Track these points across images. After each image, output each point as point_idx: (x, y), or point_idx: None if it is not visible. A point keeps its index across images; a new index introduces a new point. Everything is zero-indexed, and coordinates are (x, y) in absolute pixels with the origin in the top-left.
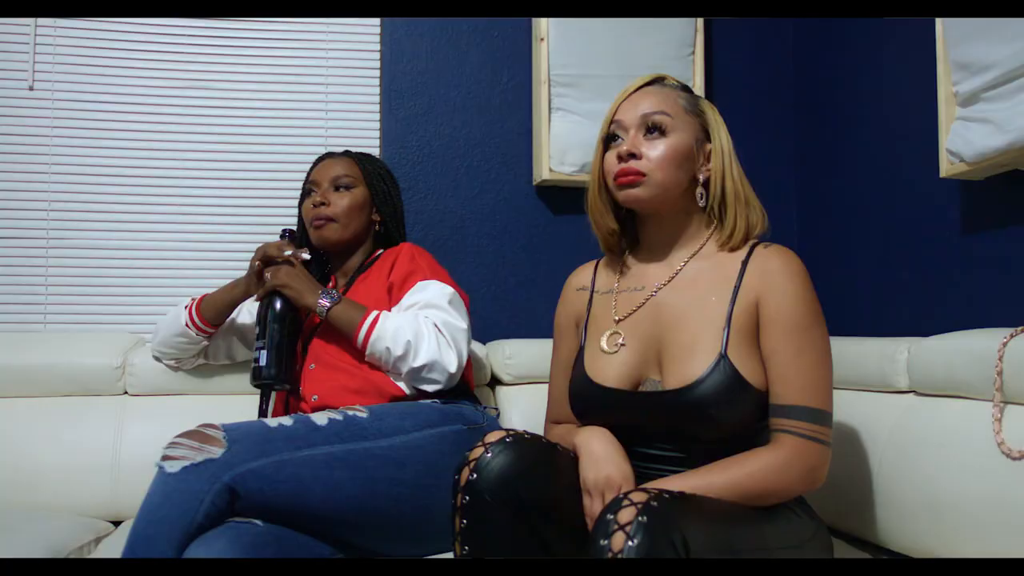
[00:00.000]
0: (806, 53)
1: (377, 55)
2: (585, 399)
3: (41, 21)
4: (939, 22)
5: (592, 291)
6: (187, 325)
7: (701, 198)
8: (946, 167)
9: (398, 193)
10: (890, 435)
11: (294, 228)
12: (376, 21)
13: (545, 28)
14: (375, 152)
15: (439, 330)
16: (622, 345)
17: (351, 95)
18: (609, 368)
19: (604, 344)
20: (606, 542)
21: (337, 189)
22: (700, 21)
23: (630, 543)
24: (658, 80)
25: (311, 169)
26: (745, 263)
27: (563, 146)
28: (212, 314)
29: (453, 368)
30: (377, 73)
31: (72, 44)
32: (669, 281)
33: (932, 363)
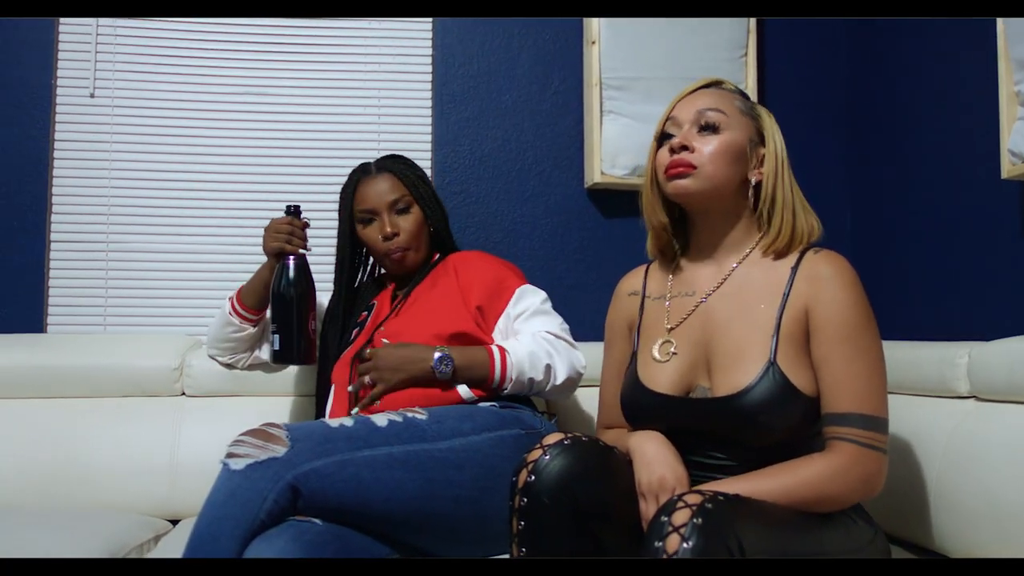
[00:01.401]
0: (860, 53)
1: (429, 59)
2: (637, 405)
3: (101, 31)
4: (1000, 21)
5: (644, 296)
6: (231, 314)
7: (751, 200)
8: (1008, 168)
9: (434, 190)
10: (949, 441)
11: (299, 204)
12: (428, 25)
13: (596, 31)
14: (427, 156)
15: (559, 338)
16: (674, 354)
17: (404, 99)
18: (661, 375)
19: (656, 353)
20: (660, 544)
21: (399, 213)
22: (752, 22)
23: (685, 545)
24: (716, 83)
25: (354, 192)
26: (795, 269)
27: (614, 149)
28: (252, 299)
29: (584, 363)
30: (429, 77)
31: (131, 52)
32: (718, 287)
33: (994, 367)
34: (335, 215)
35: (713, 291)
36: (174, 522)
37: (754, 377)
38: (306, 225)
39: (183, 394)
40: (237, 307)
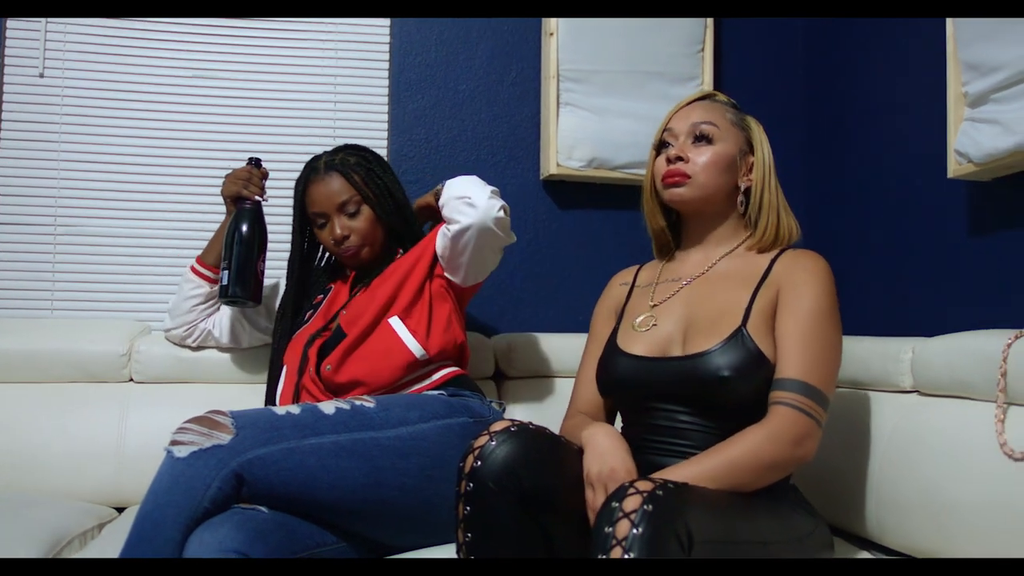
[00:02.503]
0: (815, 52)
1: (387, 47)
2: (612, 367)
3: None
4: (950, 22)
5: (632, 286)
6: (190, 271)
7: (741, 204)
8: (954, 168)
9: (387, 183)
10: (892, 434)
11: (260, 158)
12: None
13: (555, 23)
14: (383, 144)
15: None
16: (654, 326)
17: (360, 87)
18: (638, 341)
19: (637, 323)
20: (611, 529)
21: (349, 216)
22: (710, 19)
23: (634, 531)
24: (709, 96)
25: (304, 191)
26: (774, 260)
27: (571, 141)
28: (211, 256)
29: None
30: (386, 65)
31: (83, 32)
32: (703, 274)
33: (936, 363)
34: (290, 198)
35: (698, 276)
36: (120, 509)
37: (722, 340)
38: (265, 175)
39: (131, 380)
40: (196, 266)
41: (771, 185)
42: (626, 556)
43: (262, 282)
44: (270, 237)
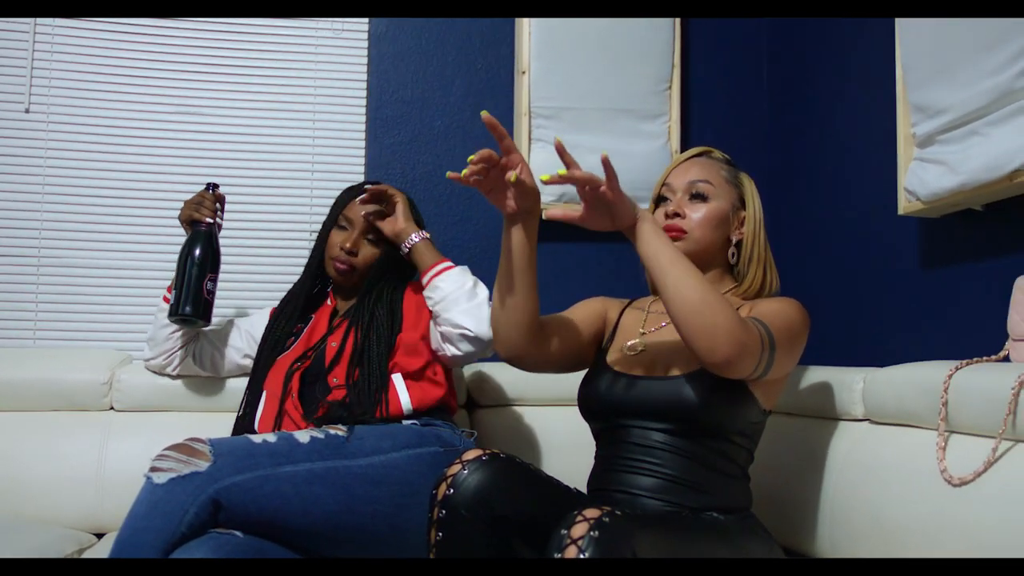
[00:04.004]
0: (778, 93)
1: (364, 84)
2: (594, 380)
3: (38, 47)
4: (899, 65)
5: (624, 310)
6: (166, 302)
7: (733, 256)
8: (904, 205)
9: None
10: (845, 460)
11: (217, 183)
12: (364, 52)
13: (527, 61)
14: (360, 178)
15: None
16: (642, 350)
17: (338, 123)
18: (624, 362)
19: (626, 347)
20: (559, 555)
21: (368, 242)
22: (677, 57)
23: (581, 556)
24: (705, 152)
25: (346, 202)
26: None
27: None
28: None
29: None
30: (364, 102)
31: (67, 69)
32: None
33: (884, 393)
34: (269, 230)
35: None
36: (100, 535)
37: (702, 366)
38: (219, 199)
39: (112, 408)
40: (168, 295)
41: (760, 239)
42: None
43: (212, 302)
44: (257, 271)
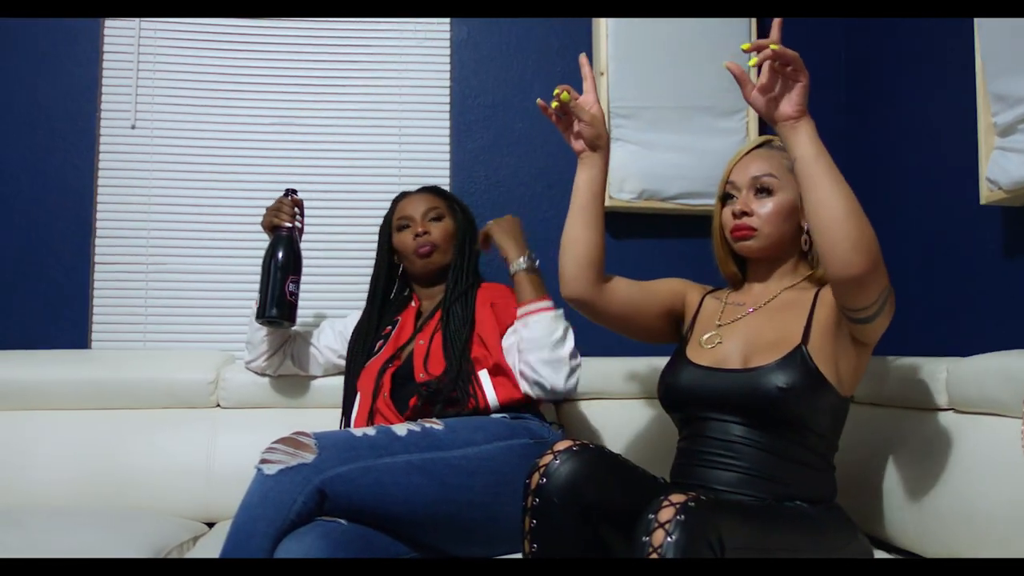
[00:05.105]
0: (854, 85)
1: (447, 90)
2: (675, 373)
3: (142, 67)
4: (979, 56)
5: (707, 293)
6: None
7: (805, 244)
8: (986, 195)
9: (470, 215)
10: (929, 450)
11: (295, 189)
12: (446, 57)
13: (604, 63)
14: (446, 183)
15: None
16: (719, 343)
17: (423, 128)
18: (703, 355)
19: (703, 340)
20: (647, 538)
21: (432, 220)
22: (753, 57)
23: (668, 539)
24: (766, 143)
25: (394, 209)
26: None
27: (622, 174)
28: None
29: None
30: (447, 108)
31: (170, 87)
32: (767, 303)
33: (968, 382)
34: (360, 235)
35: (762, 305)
36: (210, 524)
37: (781, 356)
38: (297, 203)
39: (218, 406)
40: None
41: None
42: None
43: (295, 304)
44: (348, 274)
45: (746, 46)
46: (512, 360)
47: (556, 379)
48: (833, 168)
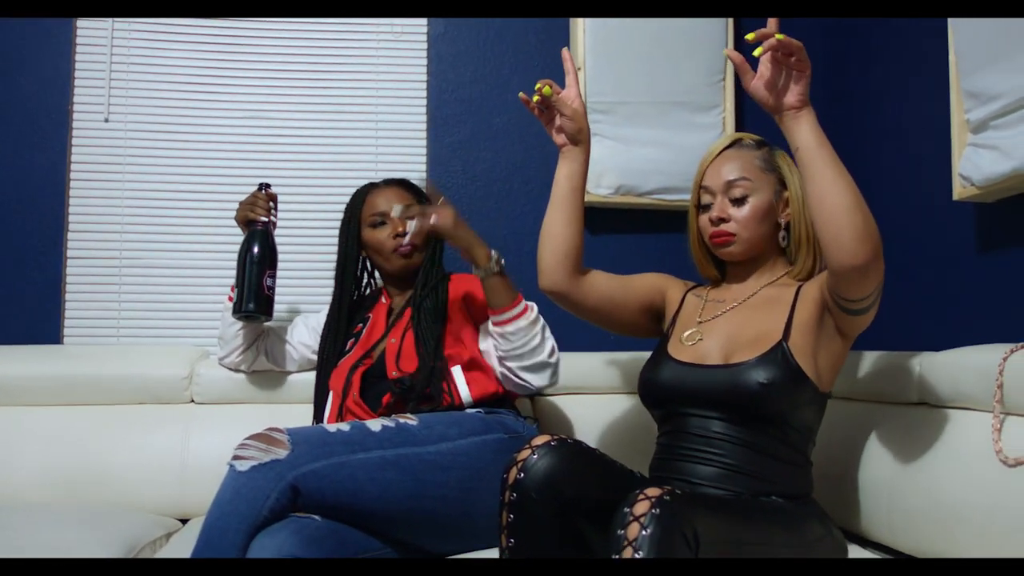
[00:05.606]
0: (832, 81)
1: (424, 84)
2: (656, 368)
3: (115, 60)
4: (952, 53)
5: (688, 290)
6: (228, 299)
7: (783, 240)
8: (959, 190)
9: None
10: (902, 444)
11: (269, 183)
12: (423, 51)
13: (582, 58)
14: (423, 176)
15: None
16: (700, 340)
17: (399, 123)
18: (684, 351)
19: (684, 337)
20: (622, 532)
21: (408, 219)
22: (730, 48)
23: (643, 532)
24: (735, 143)
25: (363, 202)
26: (805, 281)
27: (599, 170)
28: None
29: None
30: (424, 102)
31: (143, 80)
32: (747, 300)
33: (941, 377)
34: (336, 229)
35: (742, 302)
36: (184, 520)
37: (762, 352)
38: (271, 197)
39: (192, 401)
40: (231, 292)
41: (806, 217)
42: (636, 555)
43: (272, 297)
44: (323, 268)
45: (751, 36)
46: (492, 362)
47: (540, 380)
48: (835, 158)
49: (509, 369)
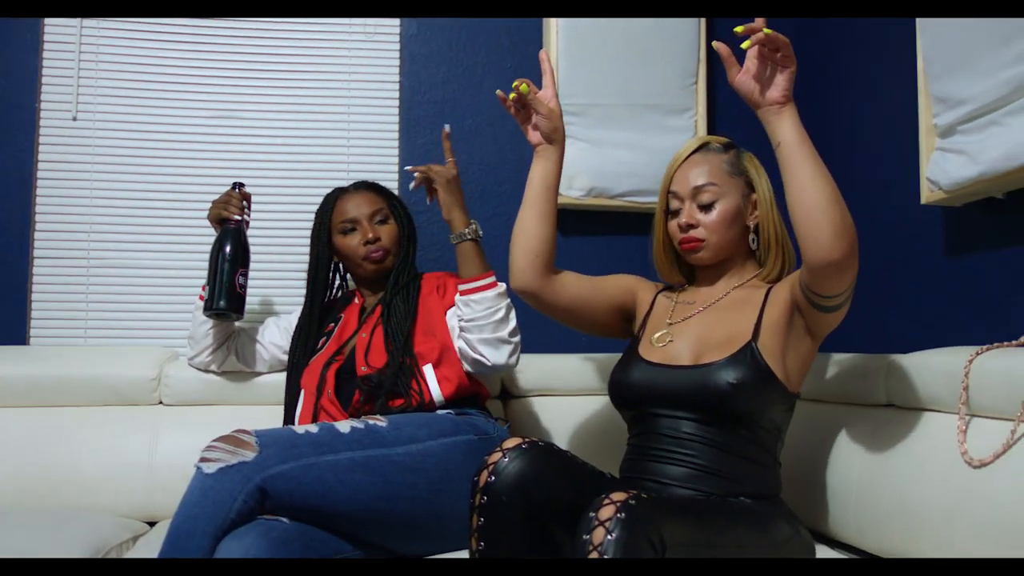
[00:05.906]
0: (801, 86)
1: (396, 85)
2: (627, 370)
3: (83, 58)
4: (920, 58)
5: (659, 291)
6: (199, 299)
7: (753, 243)
8: (927, 194)
9: (407, 211)
10: (869, 445)
11: (243, 182)
12: (396, 52)
13: (555, 59)
14: (394, 178)
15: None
16: (670, 341)
17: (371, 124)
18: (655, 353)
19: (655, 338)
20: (588, 536)
21: (379, 223)
22: (703, 52)
23: (609, 537)
24: (702, 147)
25: (332, 207)
26: (775, 282)
27: (571, 171)
28: None
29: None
30: (396, 103)
31: (112, 78)
32: (716, 302)
33: (908, 379)
34: (307, 230)
35: (712, 304)
36: (151, 523)
37: (731, 353)
38: (245, 196)
39: (160, 403)
40: (202, 292)
41: (774, 219)
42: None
43: (244, 296)
44: (294, 268)
45: (739, 29)
46: (456, 341)
47: (498, 357)
48: (815, 154)
49: (467, 342)
